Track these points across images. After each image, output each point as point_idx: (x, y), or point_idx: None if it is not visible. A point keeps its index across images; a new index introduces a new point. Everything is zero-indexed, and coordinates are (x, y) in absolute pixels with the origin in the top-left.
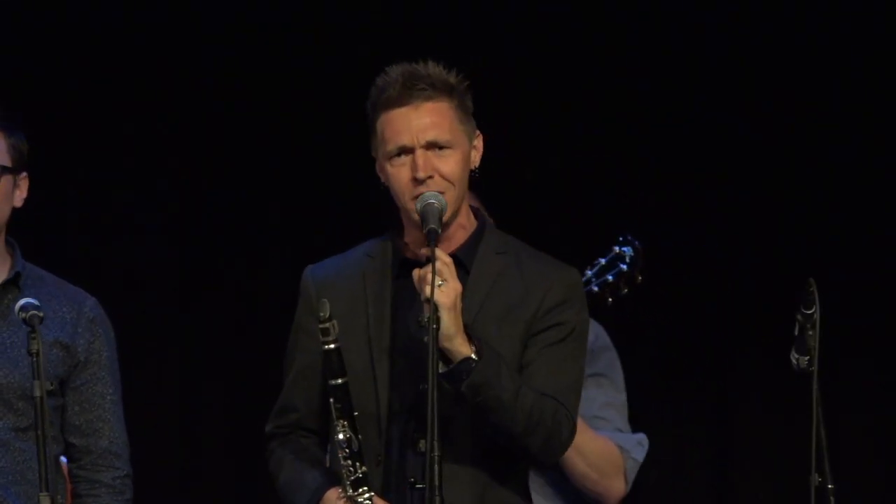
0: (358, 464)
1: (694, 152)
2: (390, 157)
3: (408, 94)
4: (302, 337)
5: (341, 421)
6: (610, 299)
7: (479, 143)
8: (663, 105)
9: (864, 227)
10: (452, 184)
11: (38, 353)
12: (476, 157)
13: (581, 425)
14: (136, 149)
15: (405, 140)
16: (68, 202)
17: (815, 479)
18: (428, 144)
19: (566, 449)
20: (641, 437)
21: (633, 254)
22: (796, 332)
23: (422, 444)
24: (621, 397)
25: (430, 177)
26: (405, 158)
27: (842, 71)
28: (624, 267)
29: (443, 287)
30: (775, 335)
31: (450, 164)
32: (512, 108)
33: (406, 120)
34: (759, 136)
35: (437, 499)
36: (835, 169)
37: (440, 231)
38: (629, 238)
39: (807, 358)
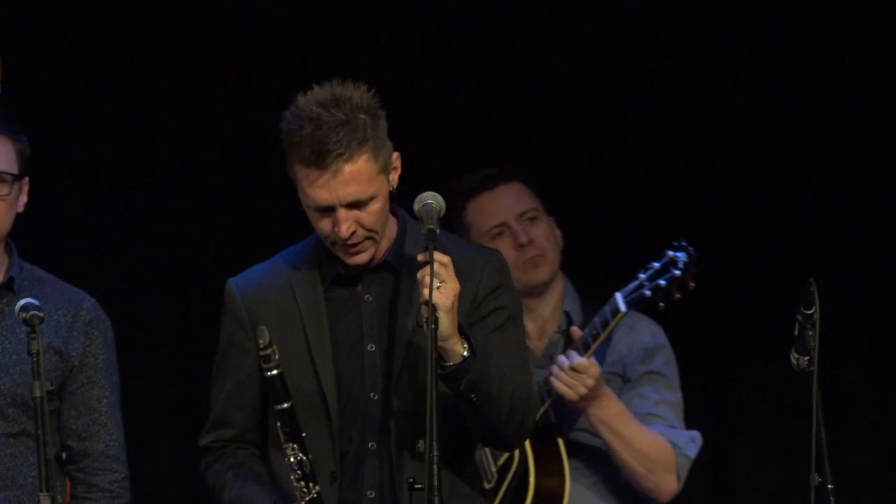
0: (311, 484)
1: (693, 152)
2: (310, 208)
3: (323, 160)
4: (234, 352)
5: (290, 444)
6: (661, 304)
7: (396, 162)
8: (664, 105)
9: (864, 227)
10: (375, 231)
11: (38, 354)
12: (395, 177)
13: (632, 419)
14: (136, 149)
15: (325, 202)
16: (68, 202)
17: (815, 479)
18: (349, 205)
19: (531, 432)
20: (695, 434)
21: (686, 259)
22: (796, 332)
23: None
24: (676, 396)
25: (354, 232)
26: (328, 216)
27: (842, 71)
28: (677, 273)
29: (441, 289)
30: (775, 335)
31: (371, 214)
32: (528, 112)
33: (324, 185)
34: (760, 135)
35: (437, 499)
36: (835, 169)
37: (438, 231)
38: (684, 244)
39: (807, 358)
